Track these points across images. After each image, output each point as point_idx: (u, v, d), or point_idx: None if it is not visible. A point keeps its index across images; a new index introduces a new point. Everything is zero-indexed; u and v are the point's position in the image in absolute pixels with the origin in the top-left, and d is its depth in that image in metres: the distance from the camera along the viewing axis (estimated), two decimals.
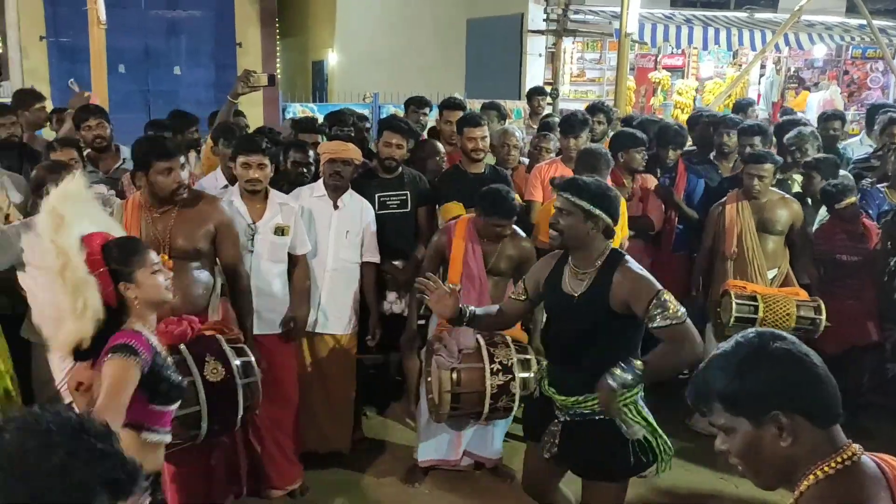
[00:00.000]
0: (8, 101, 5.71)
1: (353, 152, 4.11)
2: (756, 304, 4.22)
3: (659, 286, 2.73)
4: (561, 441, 2.93)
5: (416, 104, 5.90)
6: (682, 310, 2.70)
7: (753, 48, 11.98)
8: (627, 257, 2.86)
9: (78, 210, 2.43)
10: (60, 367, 3.53)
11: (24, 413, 1.19)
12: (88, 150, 4.69)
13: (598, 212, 2.78)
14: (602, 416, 2.81)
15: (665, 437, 2.88)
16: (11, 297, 3.61)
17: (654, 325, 2.68)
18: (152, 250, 2.51)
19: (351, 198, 4.15)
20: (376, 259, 4.22)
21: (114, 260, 2.36)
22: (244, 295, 3.56)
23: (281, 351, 3.80)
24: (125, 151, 4.70)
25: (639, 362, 2.69)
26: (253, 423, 3.75)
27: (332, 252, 4.05)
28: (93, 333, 2.29)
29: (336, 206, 4.09)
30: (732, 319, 4.22)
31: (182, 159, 3.32)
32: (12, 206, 3.90)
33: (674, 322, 2.66)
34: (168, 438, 2.45)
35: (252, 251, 3.71)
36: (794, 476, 1.42)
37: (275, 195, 3.81)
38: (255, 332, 3.63)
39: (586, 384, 2.79)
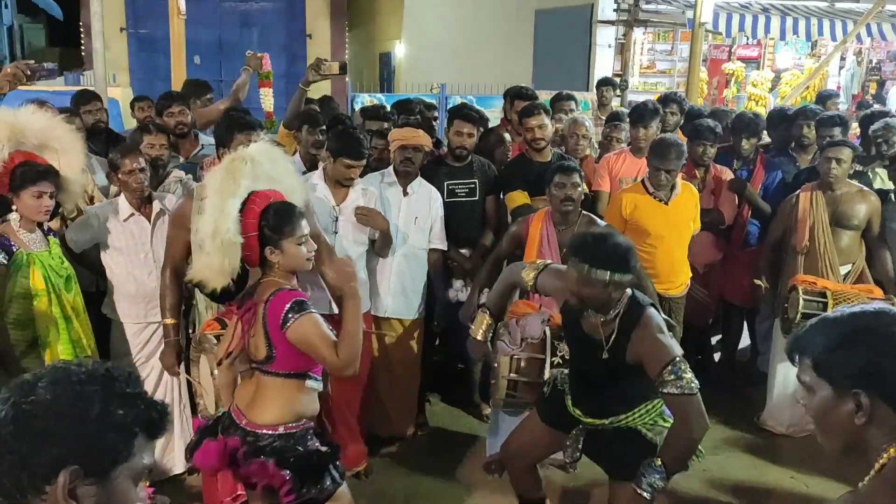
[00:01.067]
0: (92, 88, 5.93)
1: (423, 139, 4.15)
2: (825, 300, 4.08)
3: (677, 352, 2.66)
4: (586, 445, 2.96)
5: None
6: (696, 382, 2.63)
7: (834, 39, 11.53)
8: (648, 314, 2.75)
9: (255, 171, 2.69)
10: (135, 342, 3.71)
11: (53, 368, 1.25)
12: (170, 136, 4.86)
13: (616, 277, 2.67)
14: (627, 427, 2.85)
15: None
16: (95, 274, 3.79)
17: (665, 390, 2.61)
18: (305, 220, 2.65)
19: (420, 185, 4.19)
20: (443, 246, 4.25)
21: (268, 225, 2.56)
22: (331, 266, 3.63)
23: None
24: (203, 138, 4.85)
25: (658, 461, 2.63)
26: (325, 402, 3.84)
27: (400, 237, 4.10)
28: (227, 284, 2.60)
29: (406, 193, 4.14)
30: (799, 316, 4.10)
31: (262, 134, 3.39)
32: (96, 188, 4.08)
33: (685, 392, 2.59)
34: (321, 386, 2.69)
35: (336, 233, 3.80)
36: (866, 452, 1.40)
37: (357, 180, 3.89)
38: (336, 311, 3.71)
39: (611, 411, 2.85)
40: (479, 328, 3.40)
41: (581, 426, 2.96)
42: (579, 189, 3.83)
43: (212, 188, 2.67)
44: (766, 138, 5.43)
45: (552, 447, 3.22)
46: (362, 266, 3.95)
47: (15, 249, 3.10)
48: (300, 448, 2.60)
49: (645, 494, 2.61)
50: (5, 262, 3.07)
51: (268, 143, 2.96)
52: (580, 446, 2.93)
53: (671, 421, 2.80)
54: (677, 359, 2.62)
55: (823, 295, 4.09)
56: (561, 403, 3.07)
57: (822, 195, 4.35)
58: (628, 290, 2.79)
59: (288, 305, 2.47)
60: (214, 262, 2.58)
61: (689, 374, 2.61)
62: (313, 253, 2.66)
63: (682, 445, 2.67)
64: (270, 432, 2.57)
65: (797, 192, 4.50)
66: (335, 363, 2.47)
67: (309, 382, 2.62)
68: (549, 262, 3.21)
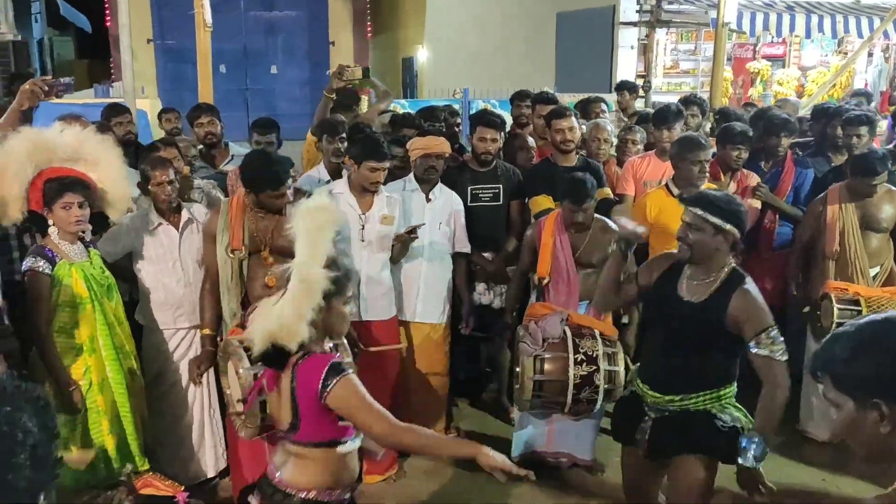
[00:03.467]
0: (121, 100, 6.05)
1: (445, 146, 4.21)
2: (859, 308, 4.04)
3: (772, 320, 2.77)
4: (651, 435, 2.94)
5: (519, 98, 5.93)
6: (787, 354, 2.73)
7: (860, 35, 11.40)
8: (748, 279, 2.84)
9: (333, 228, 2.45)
10: (165, 347, 3.79)
11: None
12: (200, 147, 4.95)
13: (728, 227, 2.78)
14: (696, 410, 2.83)
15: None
16: (127, 283, 3.87)
17: (757, 350, 2.71)
18: (351, 283, 2.47)
19: (441, 190, 4.25)
20: (467, 249, 4.30)
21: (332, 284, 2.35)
22: None
23: (386, 336, 3.93)
24: (234, 148, 4.93)
25: (754, 434, 2.69)
26: None
27: (427, 244, 4.15)
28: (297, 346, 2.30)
29: (428, 199, 4.19)
30: (834, 325, 4.07)
31: (289, 183, 3.46)
32: (130, 200, 4.17)
33: (775, 356, 2.69)
34: (359, 442, 2.46)
35: (363, 241, 3.85)
36: None
37: (381, 187, 3.94)
38: (364, 318, 3.76)
39: (685, 385, 2.84)
40: None
41: (648, 419, 2.96)
42: (590, 211, 3.88)
43: (303, 233, 2.39)
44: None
45: (658, 472, 3.13)
46: (388, 273, 3.99)
47: (58, 260, 3.19)
48: None
49: (749, 464, 2.64)
50: (49, 272, 3.16)
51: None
52: (647, 437, 2.95)
53: (743, 410, 2.87)
54: (773, 326, 2.74)
55: (857, 302, 4.05)
56: (628, 407, 3.09)
57: (850, 198, 4.27)
58: (731, 261, 2.86)
59: (325, 370, 2.27)
60: (295, 321, 2.28)
61: (782, 344, 2.72)
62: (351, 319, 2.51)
63: (773, 409, 2.73)
64: (302, 495, 2.37)
65: (824, 195, 4.44)
66: (379, 431, 2.27)
67: (341, 448, 2.40)
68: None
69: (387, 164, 3.84)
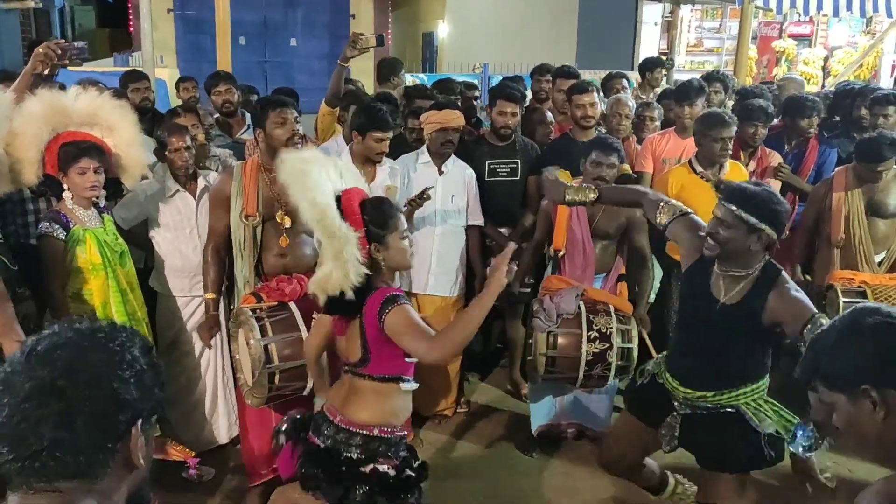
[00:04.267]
0: (141, 68, 6.04)
1: (461, 119, 4.19)
2: (865, 300, 3.97)
3: (814, 308, 2.61)
4: (681, 433, 2.89)
5: (539, 72, 5.85)
6: None
7: (889, 15, 11.14)
8: (784, 275, 2.70)
9: (322, 172, 2.49)
10: (180, 314, 3.80)
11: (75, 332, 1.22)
12: (217, 115, 4.94)
13: (763, 226, 2.61)
14: (727, 410, 2.78)
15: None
16: (142, 250, 3.89)
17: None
18: (403, 215, 2.53)
19: (454, 163, 4.22)
20: (480, 222, 4.28)
21: (371, 221, 2.43)
22: None
23: None
24: (250, 118, 4.91)
25: (808, 425, 2.57)
26: None
27: (439, 216, 4.13)
28: (356, 287, 2.36)
29: (441, 172, 4.16)
30: None
31: (296, 112, 3.42)
32: (146, 167, 4.17)
33: None
34: (415, 385, 2.56)
35: None
36: None
37: (385, 159, 3.93)
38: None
39: (716, 381, 2.77)
40: (576, 192, 3.18)
41: (677, 414, 2.90)
42: (615, 169, 3.79)
43: (289, 184, 2.48)
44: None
45: (650, 445, 3.12)
46: None
47: (72, 225, 3.20)
48: (390, 456, 2.50)
49: (806, 453, 2.58)
50: (63, 237, 3.17)
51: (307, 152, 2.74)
52: (677, 434, 2.89)
53: (777, 406, 2.76)
54: (816, 314, 2.56)
55: (863, 294, 3.97)
56: (655, 393, 3.01)
57: (857, 182, 4.14)
58: (766, 255, 2.72)
59: (383, 300, 2.37)
60: (338, 267, 2.35)
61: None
62: (414, 247, 2.57)
63: None
64: (365, 432, 2.47)
65: (830, 176, 4.33)
66: (425, 349, 2.33)
67: (403, 385, 2.52)
68: (687, 210, 2.98)
69: (391, 134, 3.81)
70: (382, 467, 2.46)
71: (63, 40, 3.71)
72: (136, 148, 3.37)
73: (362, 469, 2.45)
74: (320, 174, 2.46)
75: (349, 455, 2.46)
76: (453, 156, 4.22)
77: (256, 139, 3.43)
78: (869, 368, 1.40)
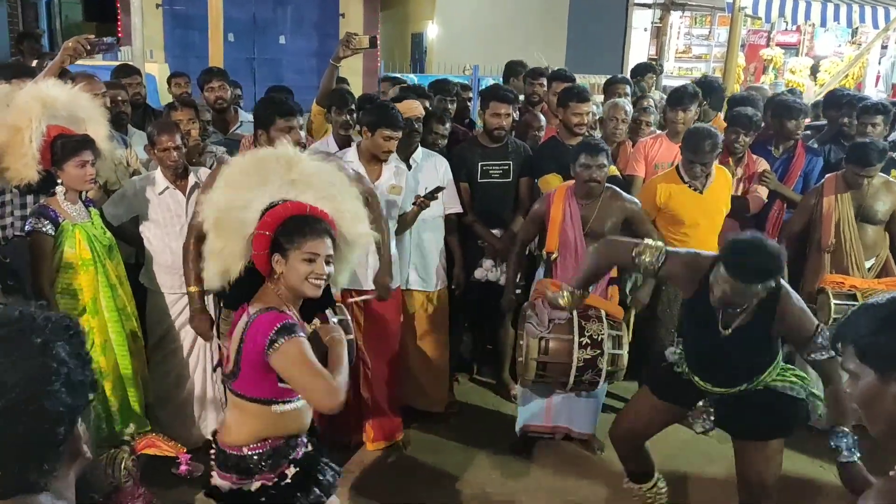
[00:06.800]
0: (132, 63, 6.00)
1: (420, 109, 4.19)
2: (856, 302, 4.02)
3: (816, 320, 2.83)
4: (718, 413, 3.04)
5: (533, 75, 5.84)
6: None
7: (876, 26, 11.28)
8: (788, 288, 2.84)
9: (288, 176, 2.39)
10: (170, 311, 3.78)
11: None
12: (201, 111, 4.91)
13: (771, 284, 2.74)
14: (761, 388, 2.93)
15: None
16: (133, 246, 3.86)
17: (815, 357, 2.77)
18: (328, 240, 2.31)
19: (423, 155, 4.20)
20: (459, 209, 4.26)
21: (282, 232, 2.28)
22: (380, 229, 3.59)
23: (386, 306, 3.91)
24: (243, 114, 4.89)
25: (839, 428, 2.64)
26: (364, 376, 3.91)
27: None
28: (222, 281, 2.38)
29: (409, 166, 4.13)
30: (831, 320, 4.06)
31: (301, 120, 3.41)
32: (139, 162, 4.15)
33: (832, 356, 2.72)
34: (301, 405, 2.37)
35: None
36: None
37: (391, 156, 3.91)
38: (367, 287, 3.75)
39: (744, 377, 2.94)
40: (567, 303, 3.29)
41: (709, 399, 3.05)
42: (604, 170, 3.82)
43: (240, 171, 2.44)
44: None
45: (669, 422, 3.30)
46: (393, 242, 3.98)
47: (61, 220, 3.17)
48: (263, 468, 2.32)
49: (854, 458, 2.60)
50: (52, 233, 3.14)
51: (335, 163, 2.69)
52: (712, 417, 3.02)
53: (801, 372, 2.95)
54: (820, 326, 2.80)
55: (853, 297, 4.03)
56: (682, 380, 3.12)
57: (846, 189, 4.21)
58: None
59: (277, 326, 2.18)
60: (216, 246, 2.35)
61: (829, 337, 2.74)
62: (322, 281, 2.30)
63: (840, 403, 2.72)
64: (235, 453, 2.32)
65: (820, 183, 4.38)
66: (321, 394, 2.15)
67: (275, 408, 2.31)
68: (665, 247, 3.05)
69: (400, 134, 3.79)
70: (256, 485, 2.32)
71: (92, 35, 3.69)
72: (107, 142, 3.39)
73: (246, 489, 2.32)
74: (265, 177, 2.37)
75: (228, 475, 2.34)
76: (422, 148, 4.20)
77: (257, 138, 3.42)
78: None
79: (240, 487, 2.33)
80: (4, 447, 1.10)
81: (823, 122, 5.51)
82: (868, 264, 4.28)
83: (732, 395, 2.98)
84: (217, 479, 2.38)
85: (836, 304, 4.03)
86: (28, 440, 1.11)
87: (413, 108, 4.11)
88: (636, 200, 4.00)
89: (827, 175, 4.40)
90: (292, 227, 2.28)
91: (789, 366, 2.98)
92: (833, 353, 2.69)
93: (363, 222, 2.53)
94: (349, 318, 3.27)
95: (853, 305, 3.97)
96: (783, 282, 2.83)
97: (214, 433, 2.46)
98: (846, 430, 2.64)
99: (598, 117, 5.07)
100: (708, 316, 2.89)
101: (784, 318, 2.80)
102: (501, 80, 6.31)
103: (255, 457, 2.31)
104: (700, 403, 3.05)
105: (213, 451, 2.40)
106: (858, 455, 2.59)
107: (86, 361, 1.19)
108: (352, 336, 3.23)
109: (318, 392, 2.15)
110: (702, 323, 2.94)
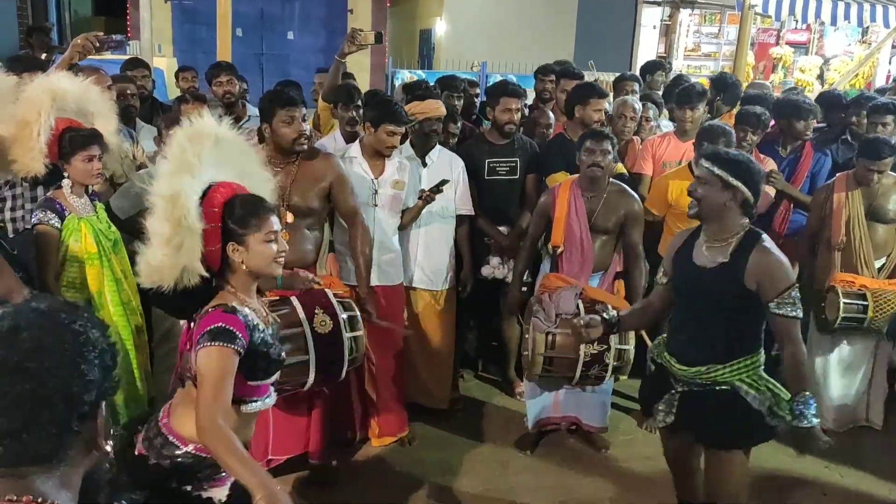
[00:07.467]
0: (139, 56, 6.01)
1: (442, 109, 4.18)
2: (865, 303, 4.02)
3: (793, 278, 2.74)
4: (679, 410, 2.92)
5: (543, 72, 5.82)
6: (802, 311, 2.72)
7: (886, 25, 11.22)
8: (765, 237, 2.78)
9: (214, 153, 2.25)
10: None
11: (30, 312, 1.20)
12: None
13: (735, 183, 2.72)
14: (722, 387, 2.80)
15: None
16: (139, 240, 3.86)
17: (781, 312, 2.67)
18: (275, 216, 2.25)
19: (439, 153, 4.19)
20: (470, 211, 4.26)
21: (232, 218, 2.16)
22: (365, 242, 3.62)
23: (393, 302, 3.92)
24: (251, 109, 4.89)
25: (803, 393, 2.65)
26: (369, 371, 3.91)
27: (425, 209, 4.07)
28: (173, 285, 2.11)
29: (425, 164, 4.13)
30: (840, 319, 4.04)
31: (304, 110, 3.40)
32: (145, 156, 4.16)
33: (798, 316, 2.68)
34: (270, 402, 2.34)
35: (376, 205, 3.83)
36: None
37: (395, 152, 3.91)
38: (373, 283, 3.75)
39: (709, 355, 2.80)
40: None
41: (675, 392, 2.92)
42: (609, 156, 3.81)
43: (171, 161, 2.20)
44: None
45: (691, 444, 3.10)
46: (396, 238, 3.99)
47: (67, 214, 3.18)
48: (199, 479, 2.18)
49: (815, 422, 2.62)
50: (58, 226, 3.15)
51: (245, 134, 2.53)
52: (673, 410, 2.92)
53: (775, 383, 2.80)
54: (795, 285, 2.70)
55: (863, 297, 4.02)
56: (655, 379, 3.05)
57: (857, 188, 4.20)
58: (746, 221, 2.80)
59: (208, 329, 2.07)
60: (167, 253, 2.08)
61: (799, 303, 2.70)
62: (284, 254, 2.24)
63: (800, 368, 2.71)
64: (181, 446, 2.17)
65: (831, 180, 4.37)
66: (202, 419, 1.98)
67: (245, 407, 2.22)
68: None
69: (403, 129, 3.79)
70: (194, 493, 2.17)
71: (101, 32, 3.69)
72: (115, 136, 3.41)
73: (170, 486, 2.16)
74: (198, 157, 2.18)
75: (158, 464, 2.17)
76: (439, 146, 4.20)
77: (263, 133, 3.42)
78: None
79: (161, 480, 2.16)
80: (38, 400, 1.12)
81: (822, 124, 5.46)
82: (878, 264, 4.26)
83: (698, 391, 2.86)
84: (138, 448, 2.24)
85: (845, 303, 4.02)
86: (60, 398, 1.13)
87: (435, 108, 4.11)
88: (639, 200, 3.99)
89: (838, 174, 4.39)
90: (238, 210, 2.17)
91: (770, 378, 2.83)
92: (798, 313, 2.67)
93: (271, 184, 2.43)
94: (358, 313, 3.29)
95: (863, 305, 3.99)
96: (763, 234, 2.79)
97: (152, 415, 2.30)
98: (809, 394, 2.65)
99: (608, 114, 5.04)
100: (688, 258, 2.87)
101: (761, 262, 2.69)
102: (514, 79, 6.23)
103: (201, 459, 2.16)
104: (667, 396, 2.97)
105: (148, 425, 2.25)
106: (818, 420, 2.63)
107: (115, 353, 1.25)
108: (361, 332, 3.26)
109: (205, 411, 1.99)
110: (683, 268, 2.89)
